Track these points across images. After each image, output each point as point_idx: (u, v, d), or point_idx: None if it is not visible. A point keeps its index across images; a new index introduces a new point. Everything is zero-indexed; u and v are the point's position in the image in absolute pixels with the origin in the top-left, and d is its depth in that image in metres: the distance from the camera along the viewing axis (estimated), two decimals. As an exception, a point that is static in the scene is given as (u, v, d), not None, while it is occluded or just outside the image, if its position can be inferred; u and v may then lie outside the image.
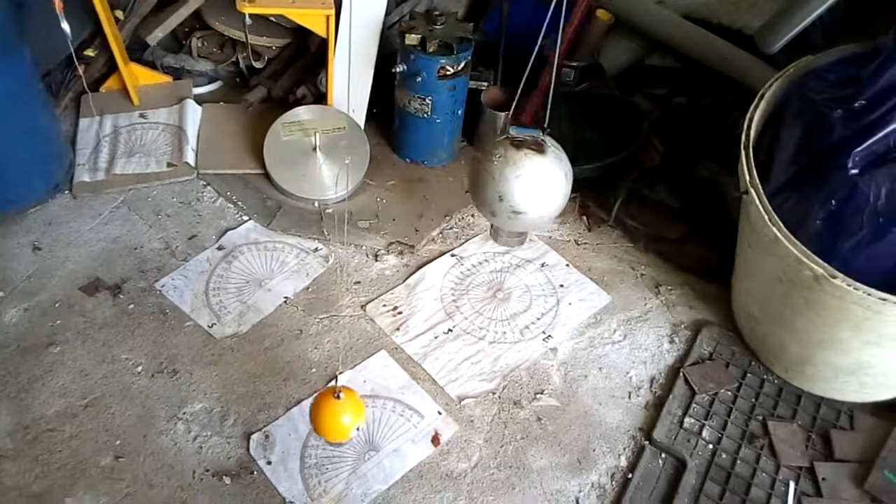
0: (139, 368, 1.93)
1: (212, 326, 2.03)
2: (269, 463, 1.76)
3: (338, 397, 1.45)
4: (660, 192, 2.42)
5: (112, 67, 2.58)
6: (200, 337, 2.01)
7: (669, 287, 2.25)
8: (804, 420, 1.92)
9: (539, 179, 1.40)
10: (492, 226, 1.59)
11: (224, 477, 1.73)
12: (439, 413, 1.89)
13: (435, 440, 1.84)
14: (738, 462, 1.83)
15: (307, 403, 1.88)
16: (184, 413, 1.85)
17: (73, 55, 2.11)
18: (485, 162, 1.42)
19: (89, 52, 2.54)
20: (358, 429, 1.48)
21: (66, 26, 1.95)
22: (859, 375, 1.81)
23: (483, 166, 1.42)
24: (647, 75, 2.78)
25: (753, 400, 1.96)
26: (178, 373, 1.93)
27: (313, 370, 1.96)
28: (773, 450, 1.85)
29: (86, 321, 2.02)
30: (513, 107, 1.65)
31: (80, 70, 2.41)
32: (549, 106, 1.47)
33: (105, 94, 2.63)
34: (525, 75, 1.50)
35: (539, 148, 1.40)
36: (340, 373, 1.45)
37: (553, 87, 1.62)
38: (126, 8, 2.54)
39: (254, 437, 1.80)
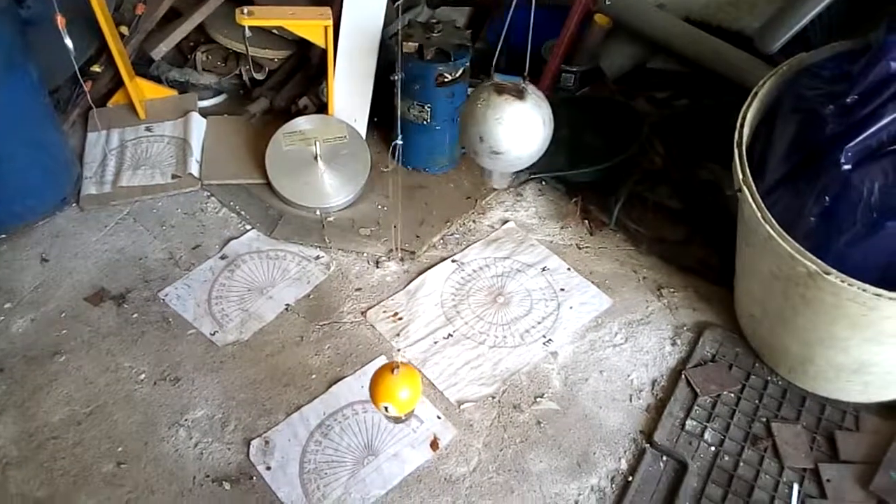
0: (142, 376, 1.95)
1: (214, 334, 2.05)
2: (268, 468, 1.78)
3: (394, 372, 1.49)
4: (661, 195, 2.41)
5: (118, 82, 2.64)
6: (202, 345, 2.03)
7: (672, 289, 2.24)
8: (809, 421, 1.89)
9: (518, 123, 1.50)
10: (482, 167, 1.68)
11: (224, 482, 1.75)
12: (438, 417, 1.89)
13: (434, 444, 1.84)
14: (741, 464, 1.80)
15: (307, 409, 1.89)
16: (185, 420, 1.87)
17: (78, 71, 2.15)
18: (470, 105, 1.53)
19: (96, 68, 2.59)
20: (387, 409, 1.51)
21: (69, 42, 1.99)
22: (862, 374, 1.78)
23: (468, 109, 1.54)
24: (649, 78, 2.78)
25: (757, 402, 1.94)
26: (181, 380, 1.95)
27: (313, 376, 1.97)
28: (777, 451, 1.82)
29: (90, 330, 2.05)
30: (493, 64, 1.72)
31: (87, 86, 2.46)
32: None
33: (112, 109, 2.68)
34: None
35: (519, 94, 1.47)
36: (398, 350, 1.50)
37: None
38: (131, 24, 2.59)
39: (254, 442, 1.82)
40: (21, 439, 1.81)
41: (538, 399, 1.95)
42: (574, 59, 2.64)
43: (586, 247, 2.37)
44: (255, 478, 1.76)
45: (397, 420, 1.60)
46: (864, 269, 1.53)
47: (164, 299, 2.13)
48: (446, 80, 2.32)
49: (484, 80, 2.56)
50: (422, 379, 1.96)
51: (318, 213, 2.40)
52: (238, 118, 2.69)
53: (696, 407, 1.92)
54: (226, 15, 2.60)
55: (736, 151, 1.73)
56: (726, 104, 2.45)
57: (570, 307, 2.18)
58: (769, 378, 1.99)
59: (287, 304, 2.14)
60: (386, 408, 1.50)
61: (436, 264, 2.29)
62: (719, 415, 1.90)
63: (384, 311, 2.14)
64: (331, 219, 2.39)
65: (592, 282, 2.25)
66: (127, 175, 2.46)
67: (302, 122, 2.47)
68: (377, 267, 2.27)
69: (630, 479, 1.78)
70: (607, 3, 2.55)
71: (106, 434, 1.83)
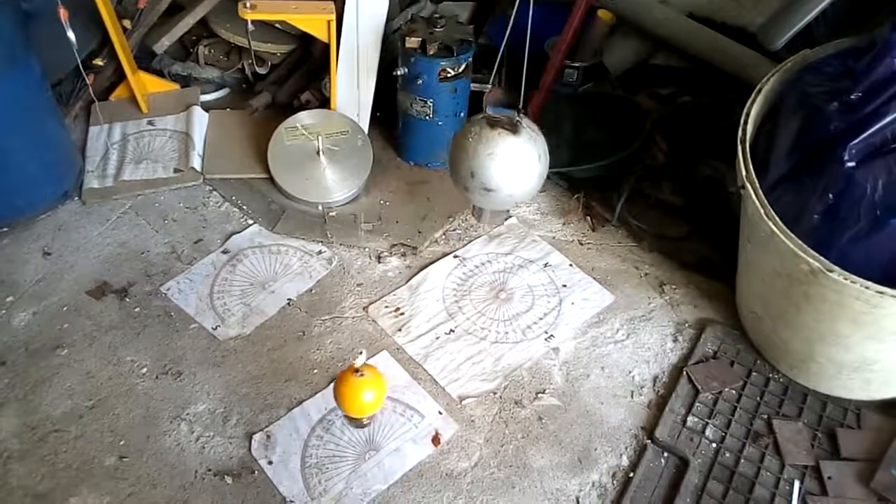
0: (144, 370, 1.96)
1: (216, 328, 2.05)
2: (270, 463, 1.78)
3: (360, 375, 1.49)
4: (664, 191, 2.41)
5: (121, 76, 2.63)
6: (204, 339, 2.03)
7: (674, 286, 2.24)
8: (810, 419, 1.89)
9: (511, 159, 1.42)
10: (473, 206, 1.61)
11: (226, 476, 1.75)
12: (440, 413, 1.89)
13: (435, 440, 1.84)
14: (742, 461, 1.80)
15: (309, 403, 1.89)
16: (187, 414, 1.87)
17: (80, 65, 2.15)
18: (460, 138, 1.46)
19: (98, 62, 2.59)
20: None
21: (71, 35, 2.00)
22: (863, 372, 1.78)
23: (459, 142, 1.46)
24: (653, 75, 2.78)
25: (758, 398, 1.93)
26: (182, 374, 1.95)
27: (315, 371, 1.97)
28: (778, 448, 1.82)
29: (93, 324, 2.05)
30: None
31: (89, 79, 2.46)
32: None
33: (114, 103, 2.68)
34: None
35: (513, 128, 1.41)
36: (361, 353, 1.49)
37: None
38: (133, 17, 2.59)
39: (256, 437, 1.82)
40: (23, 432, 1.81)
41: (539, 395, 1.95)
42: (577, 54, 2.63)
43: (588, 243, 2.37)
44: (256, 472, 1.76)
45: (359, 424, 1.59)
46: (867, 267, 1.52)
47: (165, 293, 2.14)
48: (449, 75, 2.32)
49: (485, 74, 2.59)
50: (423, 374, 1.98)
51: (320, 207, 2.39)
52: (240, 112, 2.68)
53: (697, 403, 1.92)
54: (228, 9, 2.60)
55: (739, 148, 1.73)
56: (729, 101, 2.45)
57: (572, 303, 2.18)
58: (771, 375, 1.99)
59: (289, 299, 2.14)
60: (341, 409, 1.53)
61: (438, 260, 2.28)
62: (720, 411, 1.90)
63: (386, 307, 2.14)
64: (333, 214, 2.39)
65: (594, 278, 2.25)
66: (129, 169, 2.46)
67: (304, 117, 2.47)
68: (379, 262, 2.27)
69: (631, 475, 1.78)
70: (611, -2, 2.55)
71: (108, 428, 1.83)
